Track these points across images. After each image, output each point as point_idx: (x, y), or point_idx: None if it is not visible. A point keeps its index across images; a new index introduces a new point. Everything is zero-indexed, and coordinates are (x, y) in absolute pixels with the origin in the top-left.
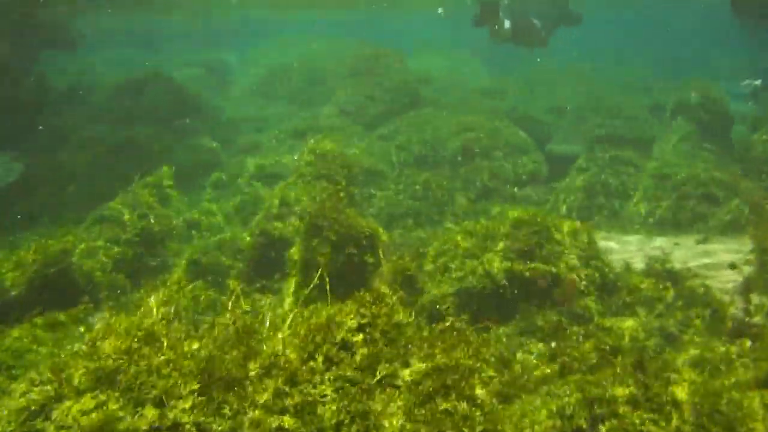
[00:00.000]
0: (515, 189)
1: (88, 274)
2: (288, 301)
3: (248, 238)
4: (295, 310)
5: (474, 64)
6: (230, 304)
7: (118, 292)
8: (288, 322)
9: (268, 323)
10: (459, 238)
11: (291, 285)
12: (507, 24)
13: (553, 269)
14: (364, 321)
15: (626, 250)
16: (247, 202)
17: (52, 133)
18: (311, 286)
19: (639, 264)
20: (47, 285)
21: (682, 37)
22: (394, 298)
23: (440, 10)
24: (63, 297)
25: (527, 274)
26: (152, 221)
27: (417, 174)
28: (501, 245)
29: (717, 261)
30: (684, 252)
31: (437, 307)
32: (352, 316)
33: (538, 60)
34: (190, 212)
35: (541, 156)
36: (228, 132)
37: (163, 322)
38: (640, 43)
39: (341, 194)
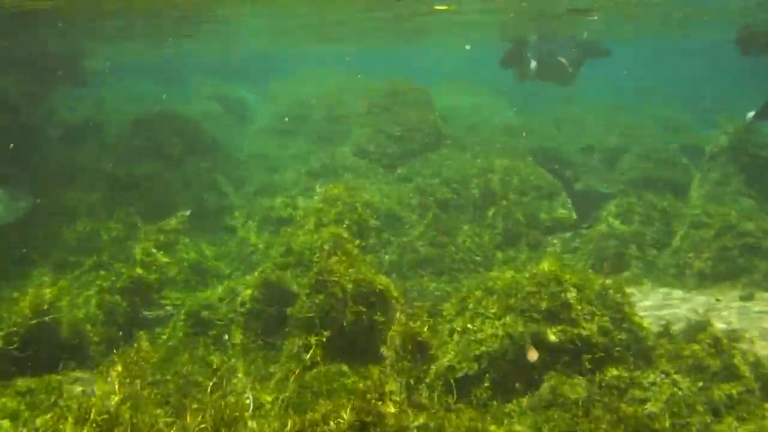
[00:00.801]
0: (542, 235)
1: (77, 327)
2: (281, 373)
3: (249, 291)
4: (287, 394)
5: (500, 102)
6: (211, 384)
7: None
8: (276, 410)
9: (252, 409)
10: (479, 294)
11: (293, 346)
12: (533, 64)
13: (583, 332)
14: (367, 419)
15: (663, 306)
16: (255, 247)
17: (63, 168)
18: (313, 349)
19: (678, 324)
20: (29, 341)
21: (702, 75)
22: (402, 395)
23: (467, 47)
24: (48, 354)
25: (553, 338)
26: (150, 268)
27: (437, 218)
28: (524, 305)
29: (764, 321)
30: (727, 310)
31: (454, 375)
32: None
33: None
34: (197, 258)
35: (569, 200)
36: (243, 171)
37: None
38: (661, 81)
39: (348, 246)
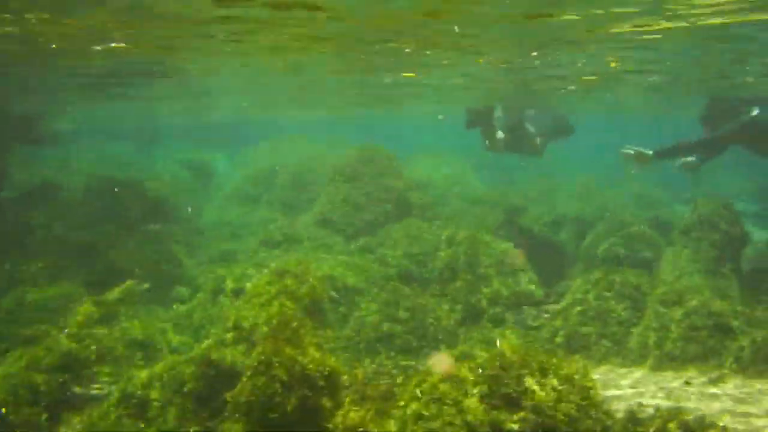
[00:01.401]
0: (507, 311)
1: None
2: None
3: (191, 368)
4: None
5: (472, 172)
6: None
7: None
8: None
9: None
10: (436, 378)
11: None
12: (500, 134)
13: (547, 420)
14: None
15: (631, 389)
16: (203, 321)
17: (9, 232)
18: None
19: (647, 409)
20: None
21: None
22: None
23: (441, 116)
24: None
25: (515, 427)
26: (85, 342)
27: (398, 292)
28: (485, 389)
29: (736, 406)
30: (697, 394)
31: None
32: None
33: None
34: (140, 331)
35: (533, 276)
36: (202, 239)
37: None
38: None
39: (296, 324)
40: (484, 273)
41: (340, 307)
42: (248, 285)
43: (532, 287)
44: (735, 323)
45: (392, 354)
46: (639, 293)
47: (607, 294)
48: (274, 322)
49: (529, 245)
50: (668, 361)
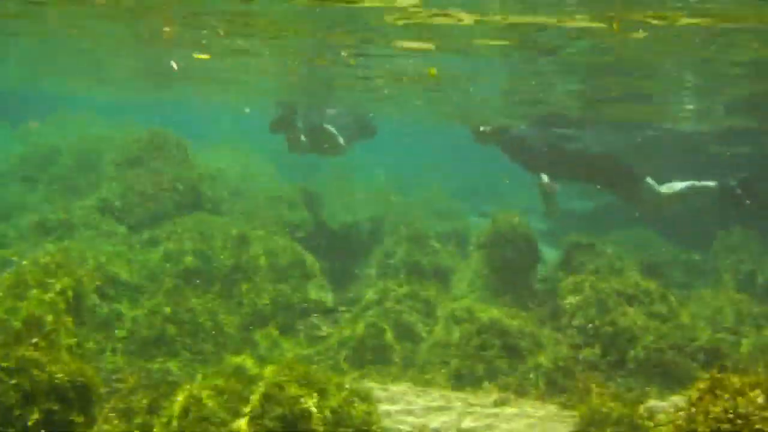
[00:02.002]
0: (296, 318)
1: None
2: None
3: None
4: None
5: (272, 169)
6: None
7: None
8: None
9: None
10: (205, 395)
11: None
12: (303, 137)
13: None
14: None
15: (417, 410)
16: None
17: None
18: None
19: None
20: None
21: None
22: None
23: (247, 110)
24: None
25: None
26: None
27: (178, 291)
28: (257, 409)
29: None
30: (481, 414)
31: None
32: None
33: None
34: None
35: (325, 282)
36: None
37: None
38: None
39: (48, 323)
40: (273, 276)
41: (114, 304)
42: (4, 275)
43: (323, 294)
44: (523, 344)
45: (168, 359)
46: (431, 306)
47: (398, 306)
48: (23, 320)
49: (326, 247)
50: (456, 380)
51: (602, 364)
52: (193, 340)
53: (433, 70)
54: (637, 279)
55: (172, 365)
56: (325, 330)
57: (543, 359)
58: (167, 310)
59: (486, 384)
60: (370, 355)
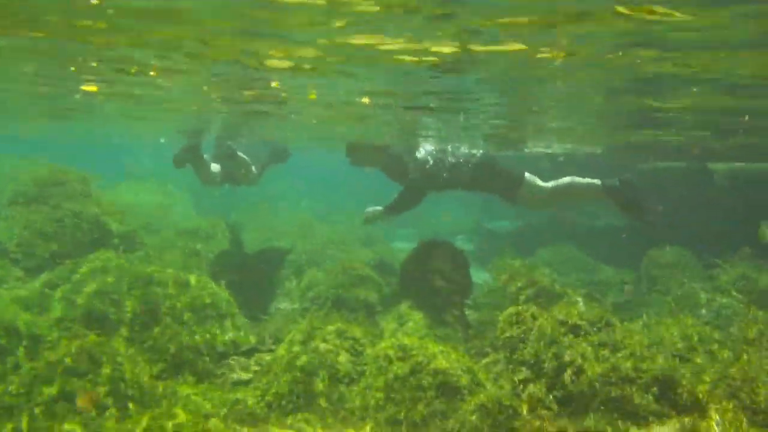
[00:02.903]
0: (214, 362)
1: None
2: None
3: None
4: None
5: (188, 201)
6: None
7: None
8: None
9: None
10: None
11: None
12: (214, 167)
13: None
14: None
15: None
16: None
17: None
18: None
19: None
20: None
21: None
22: None
23: (162, 140)
24: None
25: None
26: None
27: (81, 338)
28: None
29: None
30: None
31: None
32: None
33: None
34: None
35: (244, 321)
36: None
37: None
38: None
39: None
40: (189, 317)
41: (8, 357)
42: None
43: (242, 333)
44: (463, 381)
45: (69, 418)
46: (361, 344)
47: (327, 345)
48: None
49: (244, 281)
50: (391, 425)
51: (548, 400)
52: (95, 395)
53: (314, 95)
54: (580, 307)
55: (76, 428)
56: (245, 375)
57: (484, 398)
58: (68, 360)
59: (424, 429)
60: (297, 401)
